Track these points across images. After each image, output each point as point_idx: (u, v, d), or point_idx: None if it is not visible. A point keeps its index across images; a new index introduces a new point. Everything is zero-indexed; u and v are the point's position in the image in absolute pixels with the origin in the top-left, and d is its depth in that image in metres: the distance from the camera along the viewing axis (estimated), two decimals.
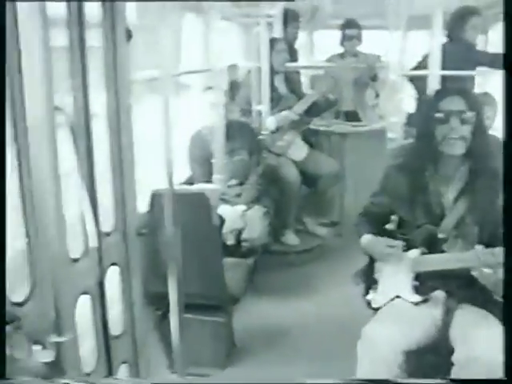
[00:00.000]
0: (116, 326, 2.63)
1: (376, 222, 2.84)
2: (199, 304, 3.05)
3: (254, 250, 3.92)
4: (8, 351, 0.96)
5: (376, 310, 2.67)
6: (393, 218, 2.85)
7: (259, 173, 4.25)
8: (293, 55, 5.53)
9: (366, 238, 2.76)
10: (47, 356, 1.53)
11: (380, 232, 2.79)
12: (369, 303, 2.75)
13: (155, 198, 3.14)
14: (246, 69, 5.09)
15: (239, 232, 3.89)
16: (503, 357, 1.08)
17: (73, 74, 2.32)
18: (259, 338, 3.63)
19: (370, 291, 2.77)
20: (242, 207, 3.99)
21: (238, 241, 3.87)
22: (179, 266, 2.41)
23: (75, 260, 2.33)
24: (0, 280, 0.94)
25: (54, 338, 1.71)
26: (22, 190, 2.10)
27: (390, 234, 2.78)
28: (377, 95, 5.86)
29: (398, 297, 2.62)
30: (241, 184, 4.15)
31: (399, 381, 1.43)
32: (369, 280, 2.80)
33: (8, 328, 1.03)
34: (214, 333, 3.24)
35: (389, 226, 2.87)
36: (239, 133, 4.20)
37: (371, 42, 5.84)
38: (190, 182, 4.11)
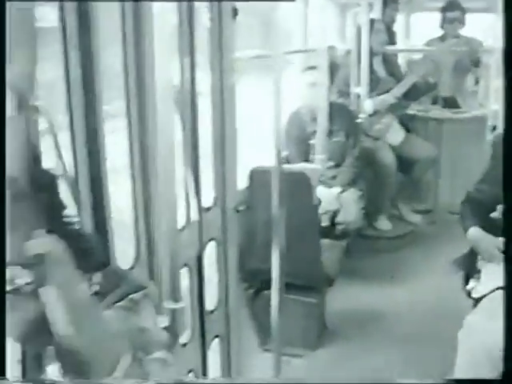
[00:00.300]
0: (211, 300, 2.68)
1: (480, 210, 2.75)
2: (294, 283, 3.04)
3: (348, 232, 3.89)
4: (135, 321, 0.97)
5: (476, 300, 2.59)
6: (499, 206, 2.76)
7: (356, 155, 4.20)
8: (391, 37, 5.42)
9: (474, 233, 2.67)
10: (163, 322, 1.57)
11: (485, 221, 2.70)
12: (469, 293, 2.67)
13: (254, 175, 3.16)
14: (344, 50, 5.02)
15: (333, 214, 3.87)
16: (503, 357, 1.04)
17: (181, 53, 2.36)
18: (351, 321, 3.60)
19: (471, 280, 2.69)
20: (338, 189, 3.96)
21: (332, 223, 3.85)
22: (282, 244, 2.41)
23: (179, 231, 2.38)
24: (0, 279, 0.96)
25: (170, 305, 1.76)
26: (132, 163, 2.16)
27: (496, 224, 2.69)
28: (477, 81, 5.67)
29: (501, 287, 2.53)
30: (337, 166, 4.11)
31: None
32: (469, 268, 2.72)
33: (136, 296, 1.04)
34: (306, 313, 3.24)
35: (494, 215, 2.78)
36: (338, 114, 4.15)
37: (474, 26, 5.64)
38: (284, 161, 4.11)
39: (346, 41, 5.12)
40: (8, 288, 0.60)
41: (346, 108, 4.47)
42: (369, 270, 4.17)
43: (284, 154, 4.16)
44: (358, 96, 4.75)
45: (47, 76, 1.84)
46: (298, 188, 2.93)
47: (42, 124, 1.69)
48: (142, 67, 2.07)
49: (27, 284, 0.61)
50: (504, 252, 1.53)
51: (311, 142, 4.09)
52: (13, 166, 0.63)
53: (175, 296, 1.85)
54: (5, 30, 0.91)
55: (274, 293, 2.45)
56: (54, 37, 1.83)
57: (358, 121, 4.59)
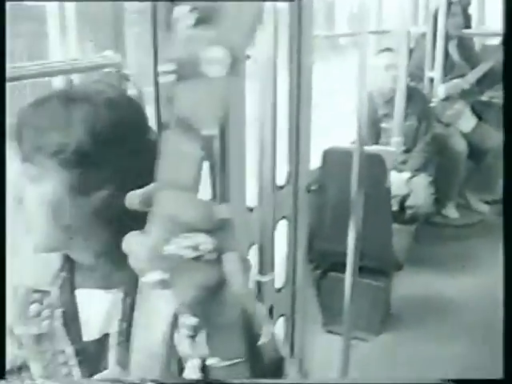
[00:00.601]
0: (278, 278, 2.68)
1: None
2: (363, 266, 3.02)
3: (417, 218, 3.84)
4: None
5: None
6: None
7: (427, 141, 4.12)
8: (467, 20, 5.27)
9: None
10: None
11: None
12: None
13: (328, 155, 3.13)
14: (418, 33, 4.91)
15: (402, 199, 3.83)
16: (503, 356, 1.00)
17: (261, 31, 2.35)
18: (416, 308, 3.55)
19: None
20: (407, 174, 3.91)
21: (401, 208, 3.81)
22: (359, 226, 2.38)
23: (251, 209, 2.38)
24: (0, 279, 0.94)
25: (259, 278, 1.76)
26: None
27: None
28: None
29: None
30: (407, 151, 4.05)
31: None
32: None
33: None
34: (372, 297, 3.20)
35: None
36: (410, 98, 4.08)
37: None
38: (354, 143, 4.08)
39: (418, 23, 5.01)
40: (193, 255, 0.59)
41: (420, 92, 4.38)
42: (436, 257, 4.09)
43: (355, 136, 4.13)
44: (431, 80, 4.66)
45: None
46: (373, 170, 2.88)
47: (130, 91, 1.72)
48: None
49: (209, 251, 0.59)
50: (504, 250, 1.48)
51: (382, 125, 4.04)
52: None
53: (263, 269, 1.86)
54: (5, 30, 0.92)
55: (348, 275, 2.42)
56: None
57: (431, 105, 4.50)
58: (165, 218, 0.60)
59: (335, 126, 4.84)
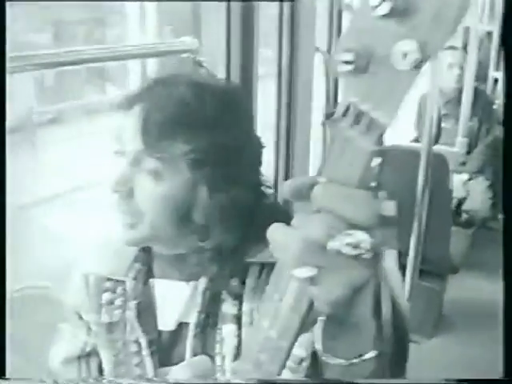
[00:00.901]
0: None
1: None
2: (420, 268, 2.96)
3: (473, 222, 3.75)
4: None
5: None
6: None
7: (487, 143, 4.01)
8: None
9: None
10: None
11: None
12: None
13: (388, 153, 3.07)
14: (483, 31, 4.79)
15: (459, 201, 3.74)
16: (503, 357, 0.95)
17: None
18: (470, 312, 3.47)
19: None
20: (465, 176, 3.82)
21: (457, 210, 3.73)
22: (422, 227, 2.33)
23: None
24: (0, 277, 0.91)
25: None
26: (278, 123, 2.15)
27: None
28: None
29: None
30: (467, 152, 3.95)
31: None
32: None
33: None
34: (425, 299, 3.13)
35: None
36: (473, 98, 3.97)
37: None
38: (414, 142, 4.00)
39: (483, 21, 4.88)
40: (353, 253, 0.56)
41: (483, 92, 4.26)
42: (490, 261, 4.00)
43: (414, 135, 4.06)
44: (495, 81, 4.54)
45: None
46: (436, 170, 2.81)
47: None
48: (297, 30, 2.05)
49: (367, 250, 0.56)
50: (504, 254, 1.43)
51: (443, 125, 3.96)
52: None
53: None
54: (5, 30, 0.89)
55: (408, 277, 2.37)
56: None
57: (494, 107, 4.38)
58: (326, 212, 0.56)
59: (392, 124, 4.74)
